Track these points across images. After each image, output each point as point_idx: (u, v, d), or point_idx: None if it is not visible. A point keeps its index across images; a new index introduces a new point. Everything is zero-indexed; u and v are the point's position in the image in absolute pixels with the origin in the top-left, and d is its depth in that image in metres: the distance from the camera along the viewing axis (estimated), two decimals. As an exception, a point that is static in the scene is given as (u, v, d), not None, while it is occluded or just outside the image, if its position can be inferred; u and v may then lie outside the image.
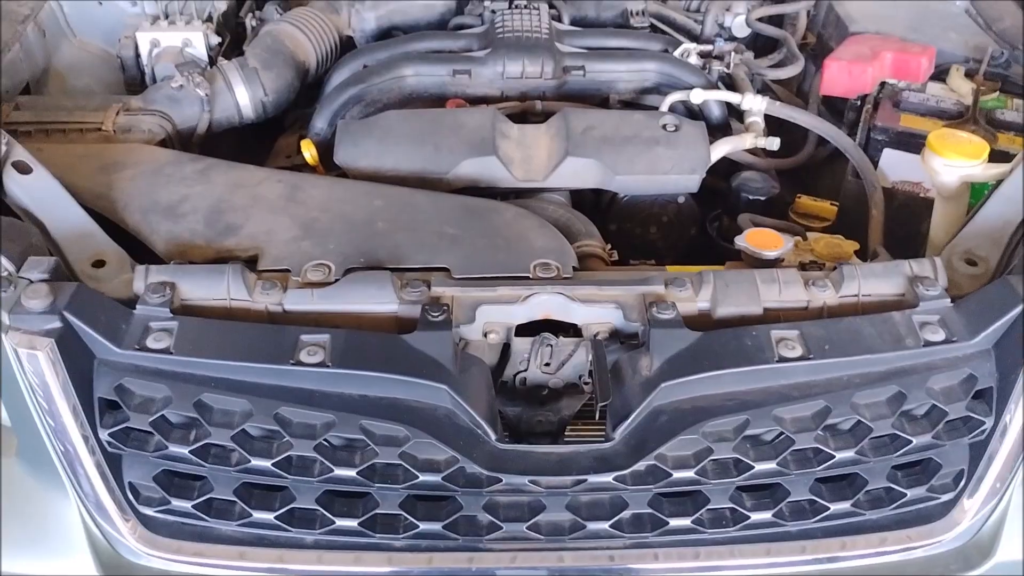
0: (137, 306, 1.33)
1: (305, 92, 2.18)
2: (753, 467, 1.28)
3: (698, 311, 1.38)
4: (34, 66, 2.10)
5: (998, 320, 1.31)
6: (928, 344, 1.31)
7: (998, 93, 2.00)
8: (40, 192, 1.49)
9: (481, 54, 2.02)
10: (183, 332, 1.30)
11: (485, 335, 1.38)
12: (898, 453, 1.31)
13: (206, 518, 1.32)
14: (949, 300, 1.36)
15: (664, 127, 1.80)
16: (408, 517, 1.30)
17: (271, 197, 1.61)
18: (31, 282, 1.29)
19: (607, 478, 1.28)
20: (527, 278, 1.43)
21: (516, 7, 2.19)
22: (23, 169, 1.50)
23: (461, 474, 1.28)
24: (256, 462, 1.27)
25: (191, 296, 1.36)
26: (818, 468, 1.29)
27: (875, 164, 1.89)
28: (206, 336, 1.31)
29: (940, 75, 2.07)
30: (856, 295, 1.40)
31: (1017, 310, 1.30)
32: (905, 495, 1.35)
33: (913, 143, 1.85)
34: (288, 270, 1.43)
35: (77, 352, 1.28)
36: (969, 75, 2.03)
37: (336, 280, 1.40)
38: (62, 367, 1.25)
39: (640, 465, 1.27)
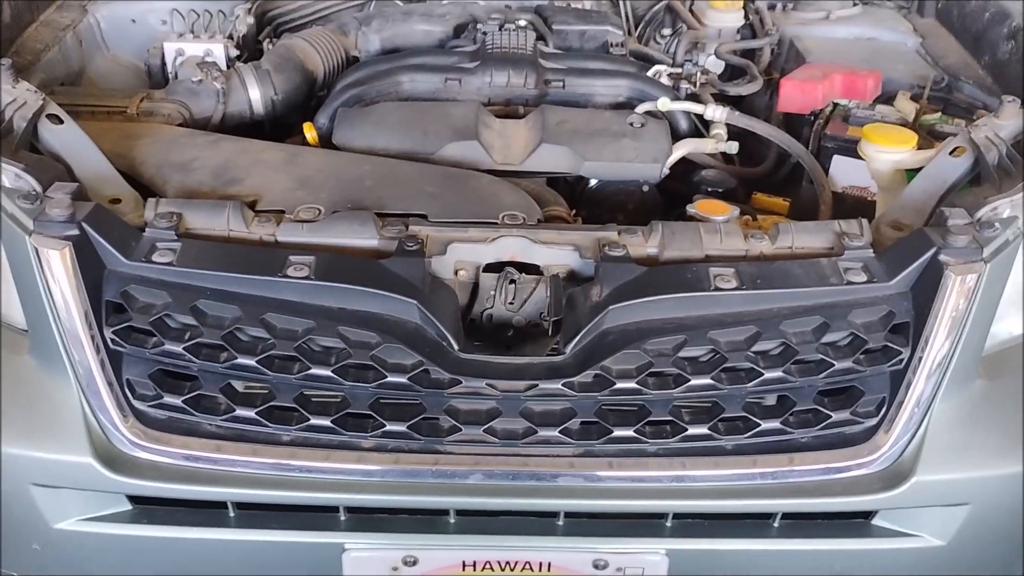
0: (147, 229, 1.50)
1: (313, 107, 2.39)
2: (689, 379, 1.42)
3: (647, 254, 1.55)
4: (69, 68, 2.33)
5: (913, 263, 1.46)
6: (850, 284, 1.46)
7: (940, 114, 2.20)
8: (69, 140, 1.68)
9: (471, 66, 2.24)
10: (185, 251, 1.47)
11: (456, 273, 1.54)
12: (822, 375, 1.44)
13: (194, 413, 1.45)
14: (872, 251, 1.51)
15: (631, 124, 2.01)
16: (376, 417, 1.44)
17: (273, 160, 1.81)
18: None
19: (556, 384, 1.41)
20: (495, 223, 1.60)
21: (505, 30, 2.43)
22: (55, 120, 1.70)
23: (426, 376, 1.41)
24: (242, 359, 1.41)
25: (195, 225, 1.53)
26: (749, 384, 1.43)
27: (826, 171, 2.07)
28: (205, 255, 1.47)
29: (888, 100, 2.28)
30: (790, 247, 1.55)
31: (930, 253, 1.45)
32: (830, 416, 1.47)
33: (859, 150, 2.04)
34: (283, 211, 1.61)
35: (90, 261, 1.44)
36: (914, 99, 2.23)
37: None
38: (77, 269, 1.41)
39: (587, 375, 1.41)
